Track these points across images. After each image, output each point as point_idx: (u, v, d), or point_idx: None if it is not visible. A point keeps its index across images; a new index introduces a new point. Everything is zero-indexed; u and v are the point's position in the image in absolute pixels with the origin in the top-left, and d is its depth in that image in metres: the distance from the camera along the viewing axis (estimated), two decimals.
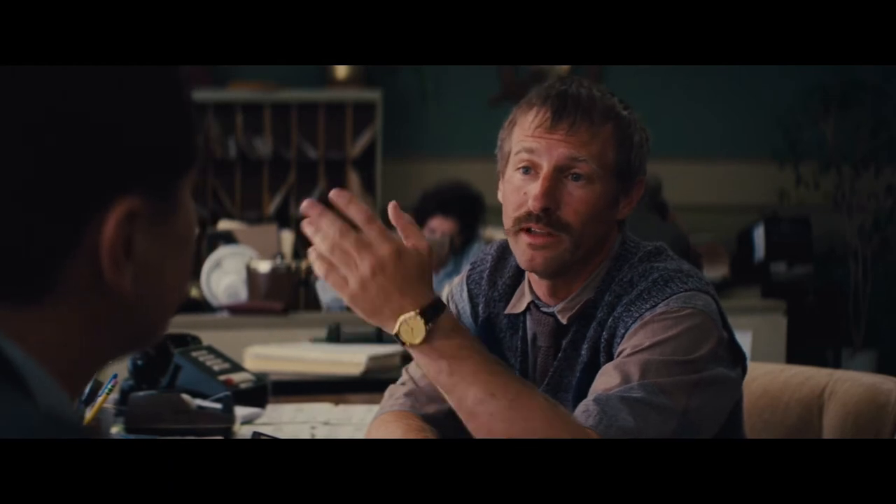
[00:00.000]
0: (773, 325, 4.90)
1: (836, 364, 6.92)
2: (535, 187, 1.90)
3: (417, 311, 1.75)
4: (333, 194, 1.77)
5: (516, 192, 1.93)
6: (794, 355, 4.67)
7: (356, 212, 1.77)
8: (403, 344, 1.78)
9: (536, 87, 1.99)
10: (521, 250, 1.94)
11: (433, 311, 1.77)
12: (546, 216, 1.90)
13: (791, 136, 7.01)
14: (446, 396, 1.81)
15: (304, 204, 1.76)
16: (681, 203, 7.13)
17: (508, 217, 1.94)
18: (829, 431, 2.22)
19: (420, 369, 1.96)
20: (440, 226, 4.95)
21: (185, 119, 0.91)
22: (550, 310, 1.98)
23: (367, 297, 1.76)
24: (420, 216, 5.03)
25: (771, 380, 2.33)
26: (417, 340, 1.76)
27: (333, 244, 1.75)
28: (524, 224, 1.91)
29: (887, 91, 7.04)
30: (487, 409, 1.75)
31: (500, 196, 1.99)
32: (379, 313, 1.77)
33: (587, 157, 1.90)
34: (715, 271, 6.10)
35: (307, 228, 1.76)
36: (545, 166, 1.90)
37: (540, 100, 1.94)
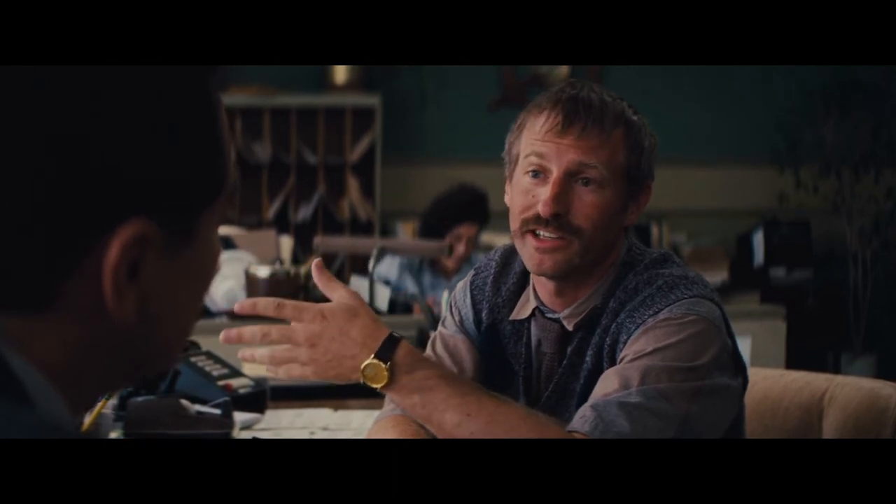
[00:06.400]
0: (772, 330, 4.89)
1: (836, 369, 6.91)
2: (544, 191, 1.90)
3: (373, 355, 1.78)
4: (244, 307, 1.82)
5: (525, 194, 1.93)
6: (794, 360, 4.66)
7: (278, 311, 1.81)
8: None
9: (546, 91, 1.98)
10: (529, 254, 1.93)
11: (387, 349, 1.79)
12: (556, 220, 1.89)
13: (791, 137, 7.01)
14: (428, 427, 1.83)
15: (222, 336, 1.81)
16: (680, 207, 7.13)
17: (516, 218, 1.94)
18: (828, 436, 2.22)
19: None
20: (467, 231, 4.98)
21: (209, 148, 0.87)
22: (556, 316, 1.98)
23: (322, 368, 1.80)
24: (447, 221, 5.01)
25: (771, 385, 2.33)
26: (382, 383, 1.79)
27: (267, 348, 1.82)
28: (532, 226, 1.91)
29: (887, 91, 7.04)
30: (468, 430, 1.77)
31: (507, 199, 1.98)
32: (342, 375, 1.81)
33: (597, 164, 1.89)
34: (714, 276, 6.10)
35: (242, 355, 1.83)
36: (555, 171, 1.90)
37: (550, 104, 1.93)
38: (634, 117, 1.95)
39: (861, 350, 7.17)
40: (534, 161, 1.91)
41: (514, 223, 1.94)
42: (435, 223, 5.07)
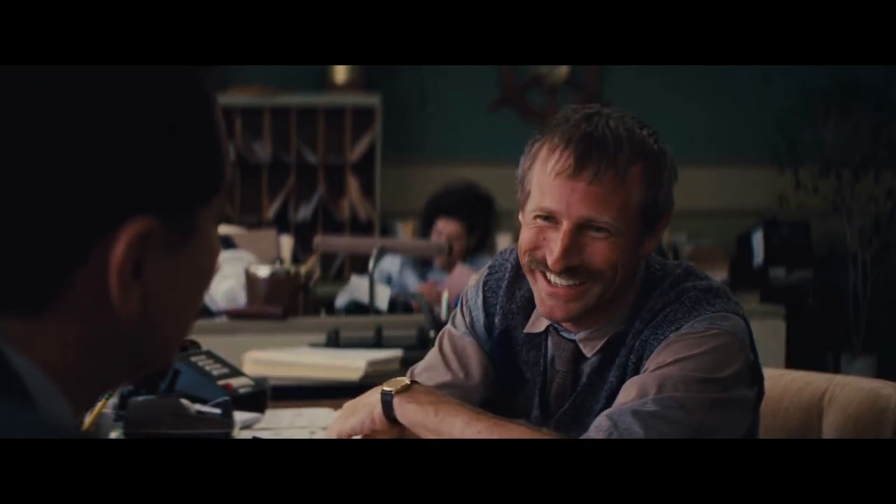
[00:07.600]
0: (772, 330, 4.89)
1: (836, 369, 6.91)
2: (554, 238, 1.86)
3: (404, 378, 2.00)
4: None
5: (535, 232, 1.89)
6: (794, 360, 4.66)
7: None
8: (390, 400, 1.93)
9: (562, 121, 1.89)
10: (540, 298, 1.91)
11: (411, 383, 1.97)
12: (568, 270, 1.86)
13: (791, 138, 7.01)
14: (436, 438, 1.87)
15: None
16: (680, 207, 7.12)
17: (523, 253, 1.90)
18: (828, 436, 2.22)
19: (412, 410, 1.93)
20: (445, 227, 4.88)
21: (208, 145, 0.88)
22: (572, 336, 1.96)
23: (345, 412, 2.04)
24: (427, 217, 5.00)
25: (771, 385, 2.32)
26: (403, 383, 1.93)
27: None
28: (542, 268, 1.89)
29: (887, 91, 7.04)
30: (475, 429, 1.83)
31: (520, 217, 1.95)
32: (361, 403, 2.01)
33: (609, 218, 1.84)
34: (714, 276, 6.09)
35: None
36: (565, 224, 1.85)
37: (563, 142, 1.85)
38: (655, 147, 1.88)
39: (861, 350, 7.17)
40: (543, 212, 1.87)
41: (522, 258, 1.91)
42: (423, 221, 5.06)
